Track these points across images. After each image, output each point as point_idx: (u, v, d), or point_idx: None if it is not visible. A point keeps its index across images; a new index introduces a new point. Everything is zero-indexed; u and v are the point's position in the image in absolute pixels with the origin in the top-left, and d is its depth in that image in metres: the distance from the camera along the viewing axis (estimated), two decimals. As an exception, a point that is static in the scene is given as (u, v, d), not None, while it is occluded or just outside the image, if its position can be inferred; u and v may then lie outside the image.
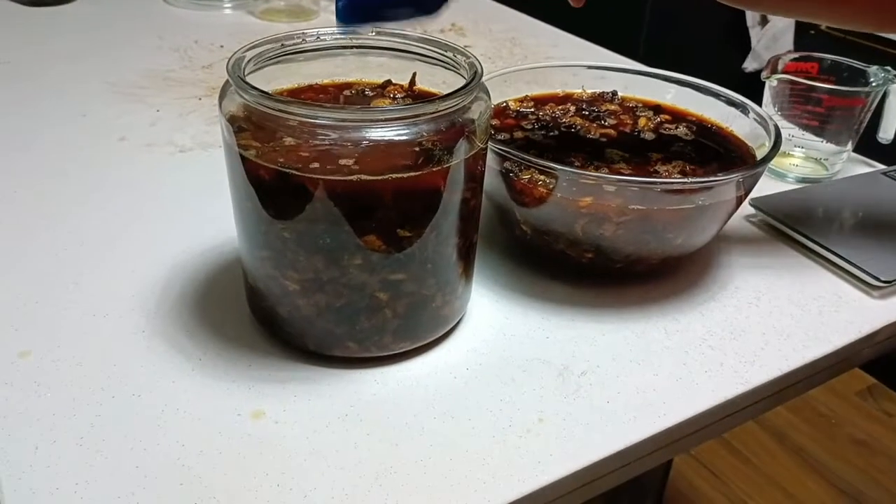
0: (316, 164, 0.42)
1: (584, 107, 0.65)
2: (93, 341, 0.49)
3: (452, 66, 0.50)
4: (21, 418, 0.43)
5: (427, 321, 0.49)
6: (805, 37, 1.66)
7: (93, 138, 0.76)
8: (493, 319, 0.54)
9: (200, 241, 0.60)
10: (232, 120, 0.44)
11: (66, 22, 1.09)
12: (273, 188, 0.43)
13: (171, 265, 0.57)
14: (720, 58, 1.83)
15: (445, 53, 0.50)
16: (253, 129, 0.44)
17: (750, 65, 1.71)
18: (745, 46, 1.72)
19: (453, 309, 0.51)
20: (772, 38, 1.67)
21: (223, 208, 0.62)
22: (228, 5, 1.18)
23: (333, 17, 1.17)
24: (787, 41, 1.65)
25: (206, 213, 0.63)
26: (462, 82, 0.49)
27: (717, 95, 0.65)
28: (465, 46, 1.11)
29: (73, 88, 0.86)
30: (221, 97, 0.45)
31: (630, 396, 0.47)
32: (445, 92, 0.52)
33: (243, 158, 0.44)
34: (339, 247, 0.44)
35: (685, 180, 0.52)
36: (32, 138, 0.75)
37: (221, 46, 1.01)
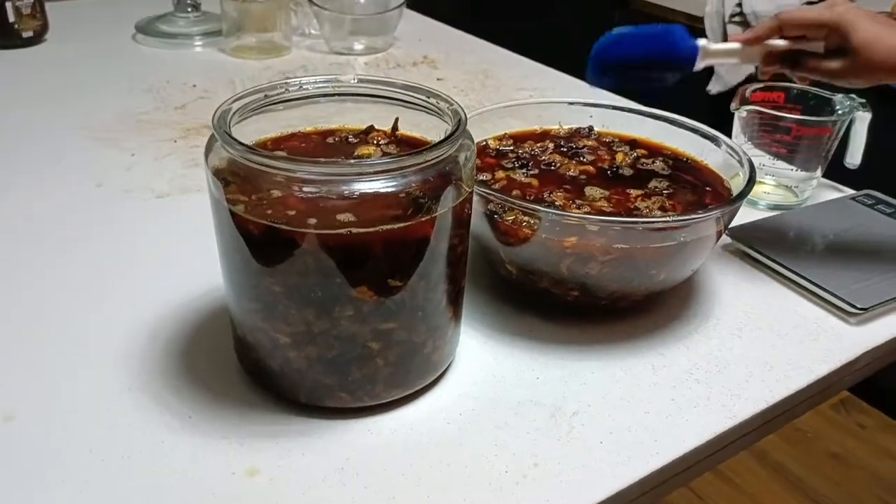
0: (306, 218, 0.42)
1: (562, 143, 0.66)
2: (78, 402, 0.49)
3: (435, 112, 0.51)
4: (9, 486, 0.42)
5: (418, 368, 0.49)
6: (766, 59, 1.70)
7: (68, 185, 0.75)
8: (483, 361, 0.54)
9: (183, 291, 0.59)
10: (218, 173, 0.44)
11: (34, 64, 1.08)
12: (263, 242, 0.43)
13: (153, 317, 0.56)
14: (684, 81, 1.86)
15: (428, 100, 0.51)
16: (240, 182, 0.44)
17: (714, 87, 1.75)
18: (708, 69, 1.75)
19: (443, 354, 0.51)
20: (734, 60, 1.70)
21: (205, 256, 0.61)
22: (199, 43, 1.17)
23: (305, 52, 1.18)
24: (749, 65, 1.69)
25: (188, 262, 0.63)
26: (442, 124, 0.50)
27: (689, 129, 0.66)
28: (438, 79, 1.12)
29: (46, 133, 0.85)
30: (207, 151, 0.45)
31: (622, 435, 0.48)
32: (427, 135, 0.54)
33: (232, 213, 0.43)
34: (331, 298, 0.44)
35: (667, 219, 0.53)
36: (5, 186, 0.74)
37: (194, 86, 1.01)
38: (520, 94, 1.04)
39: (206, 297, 0.59)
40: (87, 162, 0.79)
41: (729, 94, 1.74)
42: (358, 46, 1.19)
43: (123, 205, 0.72)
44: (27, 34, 1.12)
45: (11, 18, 1.10)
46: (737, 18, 1.69)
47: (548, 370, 0.53)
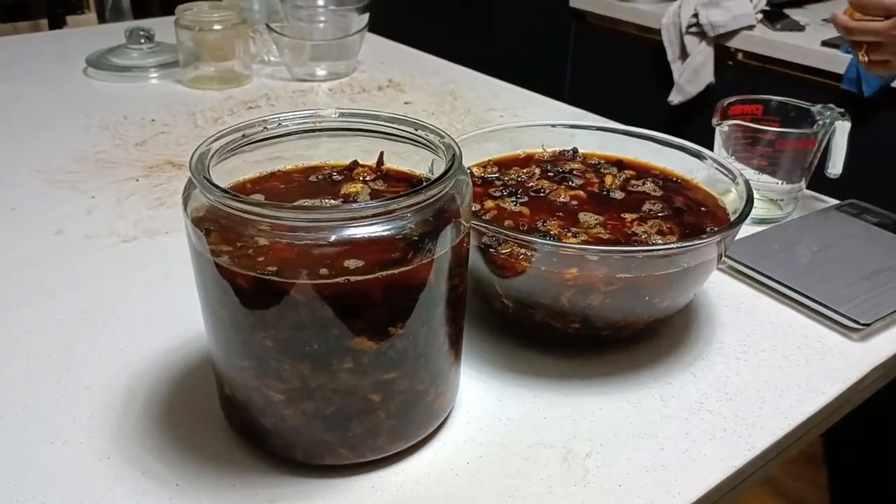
0: (299, 268, 0.39)
1: (548, 168, 0.64)
2: (54, 475, 0.44)
3: (424, 145, 0.48)
4: (-20, 580, 0.38)
5: (421, 416, 0.46)
6: (724, 69, 1.71)
7: (25, 234, 0.70)
8: (486, 403, 0.51)
9: (159, 344, 0.55)
10: (198, 222, 0.41)
11: (-20, 104, 1.02)
12: (252, 295, 0.40)
13: (129, 375, 0.52)
14: (645, 92, 1.87)
15: (416, 132, 0.48)
16: (222, 230, 0.40)
17: (675, 98, 1.75)
18: (668, 81, 1.76)
19: (446, 399, 0.48)
20: (693, 71, 1.71)
21: (180, 303, 0.58)
22: (155, 75, 1.13)
23: (267, 80, 1.14)
24: (708, 74, 1.71)
25: (162, 310, 0.59)
26: (426, 153, 0.47)
27: (674, 146, 0.65)
28: (406, 103, 1.09)
29: (-3, 178, 0.81)
30: (186, 199, 0.42)
31: (640, 476, 0.45)
32: (413, 166, 0.51)
33: (217, 265, 0.40)
34: (328, 351, 0.41)
35: (671, 246, 0.51)
36: (-44, 239, 0.69)
37: (153, 120, 0.97)
38: (490, 115, 1.02)
39: (185, 349, 0.55)
40: (44, 208, 0.75)
41: (689, 105, 1.76)
42: (320, 72, 1.16)
43: (86, 252, 0.68)
44: (-29, 73, 1.07)
45: (-46, 57, 1.05)
46: (693, 29, 1.70)
47: (554, 408, 0.51)
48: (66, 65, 1.16)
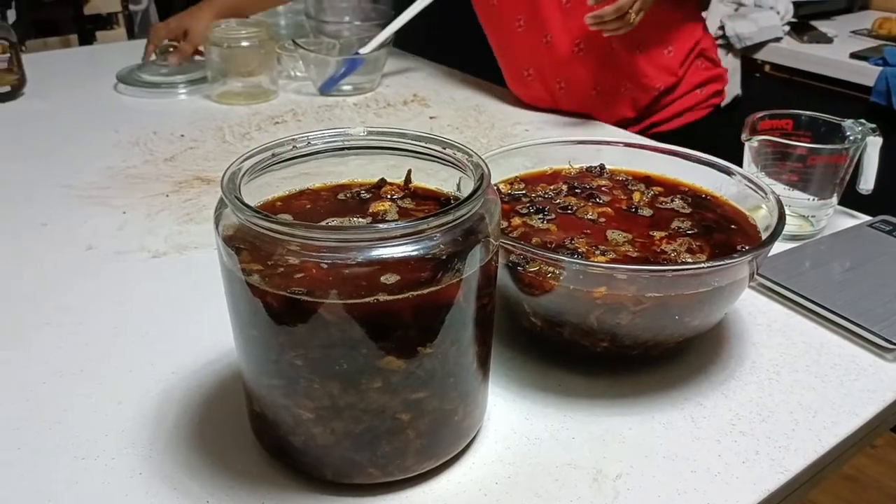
0: (329, 287, 0.39)
1: (575, 184, 0.64)
2: (86, 490, 0.45)
3: (451, 163, 0.48)
4: None
5: (449, 436, 0.46)
6: (751, 81, 1.70)
7: (56, 249, 0.71)
8: (514, 422, 0.51)
9: (189, 359, 0.56)
10: (229, 241, 0.41)
11: (13, 120, 1.04)
12: (282, 314, 0.40)
13: (160, 391, 0.53)
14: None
15: (444, 151, 0.48)
16: (252, 248, 0.41)
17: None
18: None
19: (474, 419, 0.48)
20: (719, 83, 1.70)
21: (209, 318, 0.58)
22: (183, 91, 1.15)
23: (293, 96, 1.15)
24: (735, 86, 1.70)
25: (192, 326, 0.59)
26: (454, 170, 0.47)
27: (702, 162, 0.64)
28: (431, 117, 1.09)
29: (28, 193, 0.82)
30: (217, 218, 0.42)
31: (671, 499, 0.45)
32: (440, 183, 0.51)
33: (248, 284, 0.40)
34: (357, 370, 0.41)
35: (701, 265, 0.50)
36: (-10, 254, 0.70)
37: (182, 135, 0.98)
38: (515, 129, 1.02)
39: (215, 364, 0.55)
40: (75, 223, 0.76)
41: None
42: (346, 87, 1.17)
43: (117, 267, 0.68)
44: (4, 89, 1.09)
45: (-12, 74, 1.07)
46: (720, 41, 1.69)
47: (583, 428, 0.50)
48: (96, 81, 1.18)
